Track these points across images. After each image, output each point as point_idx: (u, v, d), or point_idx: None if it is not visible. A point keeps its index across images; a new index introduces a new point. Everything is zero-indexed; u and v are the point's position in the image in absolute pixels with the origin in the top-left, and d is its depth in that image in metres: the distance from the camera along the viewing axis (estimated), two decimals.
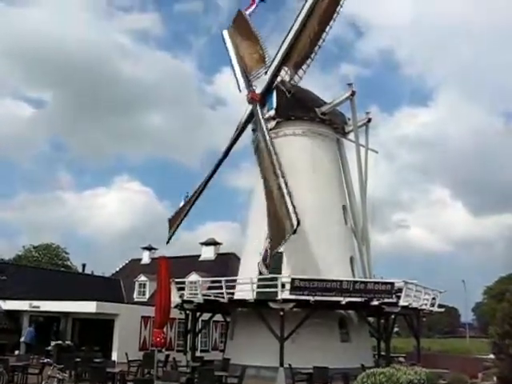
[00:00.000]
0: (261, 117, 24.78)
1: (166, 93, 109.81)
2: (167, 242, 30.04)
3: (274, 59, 25.41)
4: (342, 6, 23.68)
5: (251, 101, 25.61)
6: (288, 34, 24.64)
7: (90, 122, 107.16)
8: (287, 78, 25.37)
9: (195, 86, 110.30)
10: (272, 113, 25.25)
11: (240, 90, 26.90)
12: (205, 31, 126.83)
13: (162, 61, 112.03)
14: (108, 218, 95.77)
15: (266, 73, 25.85)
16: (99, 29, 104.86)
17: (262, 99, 25.52)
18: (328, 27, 24.01)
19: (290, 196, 21.01)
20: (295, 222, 19.71)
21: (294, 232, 19.75)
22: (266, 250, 21.74)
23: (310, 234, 23.17)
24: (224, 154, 27.55)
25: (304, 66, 24.97)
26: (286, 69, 25.15)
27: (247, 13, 29.07)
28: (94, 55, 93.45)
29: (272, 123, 25.24)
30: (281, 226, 20.68)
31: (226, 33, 29.75)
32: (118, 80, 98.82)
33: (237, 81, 27.42)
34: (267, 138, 23.76)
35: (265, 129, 24.24)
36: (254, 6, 28.82)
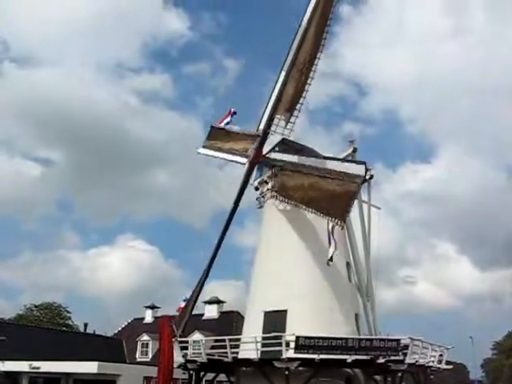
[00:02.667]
0: (278, 156, 25.21)
1: (173, 152, 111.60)
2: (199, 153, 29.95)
3: (264, 111, 25.73)
4: (319, 58, 24.16)
5: (254, 161, 25.73)
6: (275, 86, 25.12)
7: (96, 181, 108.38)
8: (280, 130, 25.65)
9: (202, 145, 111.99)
10: (273, 170, 25.56)
11: (244, 164, 26.46)
12: (211, 92, 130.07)
13: (170, 120, 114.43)
14: (112, 276, 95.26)
15: (257, 128, 26.08)
16: (108, 89, 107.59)
17: (264, 160, 25.70)
18: (310, 79, 24.30)
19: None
20: (361, 167, 21.21)
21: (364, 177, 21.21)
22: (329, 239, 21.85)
23: (314, 292, 23.09)
24: (229, 217, 25.72)
25: (293, 118, 25.05)
26: (278, 116, 25.27)
27: (222, 125, 29.19)
28: (103, 115, 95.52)
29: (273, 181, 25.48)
30: (338, 195, 21.58)
31: (202, 150, 29.87)
32: (125, 139, 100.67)
33: (236, 162, 27.40)
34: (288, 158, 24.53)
35: (283, 155, 24.86)
36: (228, 119, 29.04)
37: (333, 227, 21.50)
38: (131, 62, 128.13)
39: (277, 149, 25.53)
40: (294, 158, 24.43)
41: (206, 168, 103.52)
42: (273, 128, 25.47)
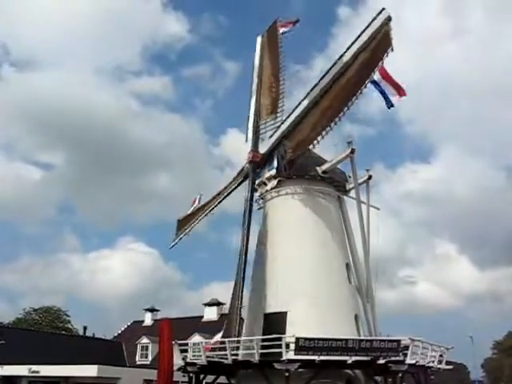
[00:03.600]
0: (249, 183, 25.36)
1: (173, 154, 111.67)
2: (171, 247, 29.57)
3: (273, 135, 25.80)
4: (366, 87, 23.55)
5: (250, 162, 25.91)
6: (294, 111, 25.13)
7: (96, 184, 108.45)
8: (270, 127, 26.02)
9: (202, 148, 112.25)
10: (273, 172, 25.52)
11: (246, 140, 26.83)
12: (210, 94, 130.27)
13: (170, 123, 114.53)
14: (112, 279, 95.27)
15: (270, 137, 26.17)
16: (108, 92, 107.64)
17: (262, 160, 25.85)
18: (345, 107, 23.57)
19: None
20: None
21: None
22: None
23: (313, 293, 23.06)
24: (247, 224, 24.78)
25: (309, 146, 24.69)
26: (289, 144, 25.04)
27: (280, 31, 28.42)
28: (103, 118, 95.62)
29: (273, 182, 25.48)
30: None
31: (259, 40, 29.84)
32: (125, 142, 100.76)
33: (247, 125, 27.31)
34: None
35: (249, 194, 24.88)
36: (289, 27, 28.48)
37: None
38: (131, 65, 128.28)
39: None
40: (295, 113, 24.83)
41: (207, 170, 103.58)
42: (262, 131, 26.09)
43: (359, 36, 24.24)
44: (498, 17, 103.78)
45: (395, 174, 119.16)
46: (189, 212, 29.76)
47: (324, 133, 23.69)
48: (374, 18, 24.06)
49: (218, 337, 24.63)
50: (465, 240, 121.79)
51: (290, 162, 24.71)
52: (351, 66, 24.06)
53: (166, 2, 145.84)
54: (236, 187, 27.31)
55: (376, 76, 23.73)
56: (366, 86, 23.53)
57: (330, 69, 24.59)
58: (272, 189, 25.55)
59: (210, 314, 44.32)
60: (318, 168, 25.77)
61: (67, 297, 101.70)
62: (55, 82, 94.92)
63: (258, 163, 25.77)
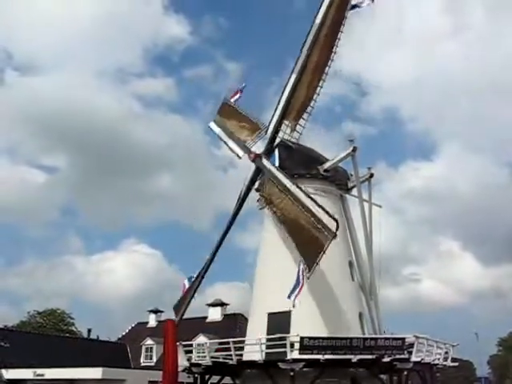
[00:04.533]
0: (267, 164, 25.30)
1: (176, 156, 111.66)
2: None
3: (273, 116, 25.90)
4: (333, 60, 24.61)
5: (254, 159, 25.99)
6: (284, 90, 25.36)
7: (100, 186, 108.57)
8: (288, 133, 26.02)
9: (205, 149, 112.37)
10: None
11: (240, 157, 27.41)
12: (213, 96, 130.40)
13: (173, 125, 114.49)
14: (116, 281, 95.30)
15: (266, 132, 26.36)
16: (111, 94, 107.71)
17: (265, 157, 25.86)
18: (321, 81, 24.83)
19: (311, 198, 22.01)
20: (333, 223, 20.27)
21: (335, 234, 20.17)
22: (298, 278, 20.50)
23: (317, 292, 23.00)
24: (232, 217, 26.58)
25: (302, 122, 25.67)
26: (287, 122, 25.79)
27: (232, 100, 29.71)
28: (106, 120, 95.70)
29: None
30: (313, 240, 20.85)
31: (212, 124, 30.54)
32: (128, 144, 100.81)
33: (233, 152, 28.03)
34: (273, 170, 24.72)
35: (271, 166, 24.99)
36: (238, 95, 29.59)
37: (303, 270, 20.58)
38: (133, 67, 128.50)
39: (276, 152, 25.88)
40: (277, 174, 24.44)
41: (210, 171, 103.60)
42: (280, 134, 26.01)
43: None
44: (498, 15, 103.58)
45: (397, 172, 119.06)
46: (181, 297, 27.74)
47: (318, 91, 24.73)
48: None
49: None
50: (468, 237, 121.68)
51: (293, 152, 25.00)
52: (324, 23, 24.41)
53: (167, 5, 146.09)
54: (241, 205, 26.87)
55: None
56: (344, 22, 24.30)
57: (308, 34, 24.67)
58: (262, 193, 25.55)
59: (214, 315, 44.29)
60: (319, 167, 25.75)
61: (71, 299, 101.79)
62: (57, 86, 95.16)
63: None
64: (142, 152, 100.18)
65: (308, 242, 21.30)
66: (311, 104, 25.28)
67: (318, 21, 24.57)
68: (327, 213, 20.96)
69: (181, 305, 26.51)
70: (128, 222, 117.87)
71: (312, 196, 22.76)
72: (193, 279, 26.60)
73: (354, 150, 24.76)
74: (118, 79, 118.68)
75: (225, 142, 28.97)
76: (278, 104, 25.69)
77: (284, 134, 26.12)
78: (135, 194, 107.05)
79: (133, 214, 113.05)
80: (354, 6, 25.09)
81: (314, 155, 26.95)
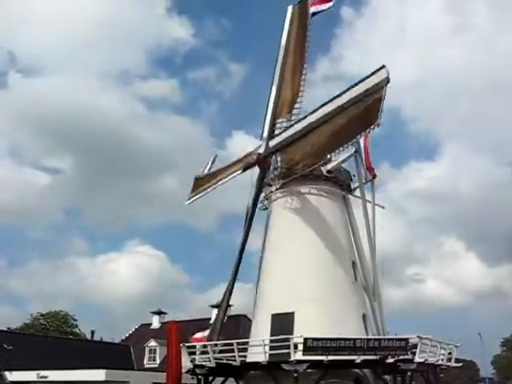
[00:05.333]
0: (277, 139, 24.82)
1: (180, 157, 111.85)
2: (189, 203, 29.93)
3: (265, 117, 25.54)
4: (306, 63, 24.73)
5: (255, 164, 25.68)
6: (271, 90, 25.45)
7: (104, 188, 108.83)
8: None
9: (209, 150, 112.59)
10: (277, 172, 25.52)
11: (261, 138, 25.65)
12: (217, 97, 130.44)
13: (177, 126, 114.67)
14: (119, 282, 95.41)
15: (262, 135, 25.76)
16: (114, 96, 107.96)
17: (267, 161, 25.62)
18: (302, 82, 24.68)
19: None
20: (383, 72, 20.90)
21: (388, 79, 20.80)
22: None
23: (320, 293, 23.02)
24: (250, 216, 25.19)
25: (293, 117, 25.08)
26: (280, 120, 25.40)
27: (311, 10, 26.49)
28: (110, 122, 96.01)
29: (278, 183, 25.47)
30: (359, 114, 21.57)
31: (289, 10, 27.55)
32: (132, 145, 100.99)
33: (264, 121, 25.98)
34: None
35: (253, 195, 24.71)
36: (323, 6, 26.33)
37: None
38: (137, 69, 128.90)
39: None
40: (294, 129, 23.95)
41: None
42: (277, 131, 25.61)
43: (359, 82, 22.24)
44: (500, 14, 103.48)
45: (400, 173, 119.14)
46: (206, 172, 29.50)
47: (301, 90, 24.50)
48: (374, 73, 21.70)
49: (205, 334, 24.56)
50: (471, 237, 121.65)
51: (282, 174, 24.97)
52: (345, 111, 22.27)
53: (170, 8, 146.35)
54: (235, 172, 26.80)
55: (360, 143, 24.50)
56: (352, 143, 23.25)
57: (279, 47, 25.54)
58: (276, 189, 25.56)
59: None
60: (322, 168, 25.72)
61: (75, 301, 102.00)
62: (61, 88, 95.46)
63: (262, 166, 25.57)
64: (145, 153, 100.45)
65: (355, 121, 21.84)
66: (297, 105, 24.92)
67: (283, 38, 26.01)
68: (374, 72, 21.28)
69: (204, 179, 28.55)
70: (132, 223, 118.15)
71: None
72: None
73: (357, 151, 24.78)
74: (121, 81, 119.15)
75: (271, 82, 26.94)
76: (268, 104, 25.55)
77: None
78: (139, 195, 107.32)
79: (136, 215, 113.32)
80: (314, 14, 25.89)
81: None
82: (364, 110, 21.52)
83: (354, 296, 24.90)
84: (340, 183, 26.71)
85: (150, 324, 49.10)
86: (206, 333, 24.46)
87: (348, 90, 22.18)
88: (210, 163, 29.56)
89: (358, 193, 26.65)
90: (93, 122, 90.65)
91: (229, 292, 24.03)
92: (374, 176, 27.01)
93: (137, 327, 50.66)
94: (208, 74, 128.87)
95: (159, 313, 48.98)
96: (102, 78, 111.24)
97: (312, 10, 25.81)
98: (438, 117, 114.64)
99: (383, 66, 21.16)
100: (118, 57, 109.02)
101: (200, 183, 29.52)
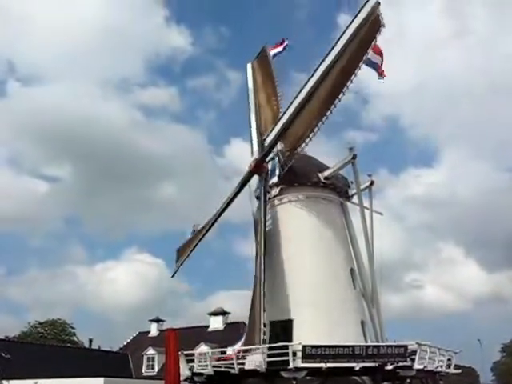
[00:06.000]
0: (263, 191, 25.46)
1: (179, 165, 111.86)
2: (172, 275, 30.76)
3: (271, 132, 25.44)
4: (352, 81, 22.92)
5: (253, 171, 25.95)
6: (288, 109, 24.44)
7: (103, 196, 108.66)
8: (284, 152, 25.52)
9: (208, 158, 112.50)
10: (275, 179, 25.56)
11: (252, 154, 26.56)
12: (216, 105, 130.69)
13: (176, 134, 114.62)
14: (118, 290, 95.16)
15: (264, 138, 26.05)
16: (113, 104, 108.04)
17: (264, 168, 25.81)
18: (335, 103, 23.02)
19: None
20: None
21: None
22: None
23: (319, 300, 23.00)
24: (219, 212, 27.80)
25: (302, 144, 24.31)
26: (282, 145, 25.40)
27: (271, 53, 29.65)
28: (109, 130, 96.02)
29: (276, 190, 25.54)
30: None
31: (249, 66, 30.48)
32: (132, 153, 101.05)
33: (251, 140, 27.37)
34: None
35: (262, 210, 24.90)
36: (280, 48, 29.53)
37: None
38: (136, 77, 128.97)
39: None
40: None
41: (213, 180, 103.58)
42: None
43: (349, 26, 23.15)
44: (500, 18, 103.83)
45: (399, 179, 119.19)
46: (186, 241, 30.04)
47: (317, 129, 23.46)
48: (362, 7, 22.83)
49: (239, 345, 24.43)
50: (470, 243, 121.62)
51: (287, 163, 24.81)
52: (342, 55, 23.09)
53: (168, 17, 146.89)
54: (235, 196, 27.25)
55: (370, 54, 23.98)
56: (359, 68, 22.95)
57: (322, 61, 23.56)
58: (275, 196, 25.61)
59: (216, 324, 44.16)
60: (319, 174, 25.77)
61: (73, 309, 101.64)
62: (60, 96, 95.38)
63: (260, 172, 25.75)
64: (144, 161, 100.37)
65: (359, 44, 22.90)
66: (318, 125, 23.37)
67: (250, 86, 29.18)
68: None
69: (184, 249, 28.68)
70: (130, 230, 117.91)
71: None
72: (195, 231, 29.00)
73: (354, 157, 24.81)
74: (121, 89, 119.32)
75: (249, 112, 28.56)
76: (277, 123, 25.12)
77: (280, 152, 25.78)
78: (138, 203, 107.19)
79: (135, 222, 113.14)
80: (275, 55, 29.11)
81: (315, 163, 26.99)
82: (360, 39, 22.68)
83: (353, 303, 24.87)
84: (338, 190, 26.73)
85: (148, 332, 48.94)
86: (239, 345, 24.42)
87: (342, 34, 23.30)
88: (280, 46, 30.13)
89: (355, 199, 26.67)
90: (92, 130, 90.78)
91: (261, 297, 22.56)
92: (372, 182, 27.07)
93: (135, 335, 50.48)
94: (207, 82, 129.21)
95: (157, 320, 48.83)
96: (101, 87, 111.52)
97: (272, 53, 29.14)
98: (437, 123, 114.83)
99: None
100: (118, 65, 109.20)
101: (262, 61, 30.26)
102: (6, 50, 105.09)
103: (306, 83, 23.78)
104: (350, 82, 22.90)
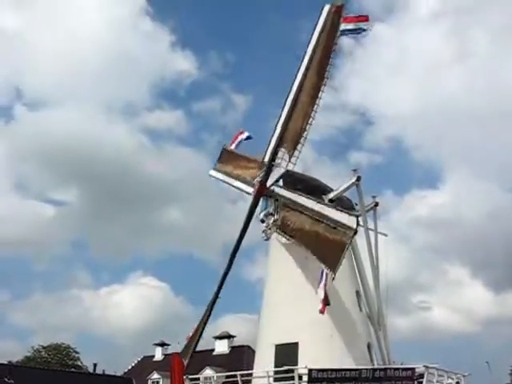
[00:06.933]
0: (281, 191, 25.72)
1: (185, 188, 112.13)
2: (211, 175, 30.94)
3: (269, 144, 26.42)
4: (327, 78, 25.38)
5: (258, 194, 26.04)
6: (280, 116, 26.25)
7: (108, 220, 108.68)
8: (286, 161, 26.00)
9: (213, 182, 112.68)
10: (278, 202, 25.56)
11: (250, 194, 27.13)
12: (221, 128, 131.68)
13: (182, 157, 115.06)
14: (123, 314, 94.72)
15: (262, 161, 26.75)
16: (119, 128, 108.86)
17: (267, 190, 25.94)
18: (314, 112, 25.11)
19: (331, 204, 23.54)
20: (353, 220, 21.55)
21: (356, 231, 21.51)
22: (325, 285, 21.15)
23: (325, 323, 22.81)
24: (235, 249, 26.40)
25: (299, 146, 25.63)
26: (283, 150, 25.93)
27: (232, 147, 30.32)
28: (115, 154, 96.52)
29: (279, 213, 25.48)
30: (332, 242, 21.62)
31: (213, 172, 30.82)
32: (138, 176, 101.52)
33: (242, 190, 28.20)
34: (290, 195, 25.17)
35: (286, 192, 25.38)
36: (236, 142, 30.23)
37: (327, 274, 21.19)
38: (141, 101, 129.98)
39: (280, 182, 25.90)
40: (292, 196, 24.87)
41: (219, 204, 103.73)
42: (277, 161, 26.00)
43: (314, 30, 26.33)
44: (502, 41, 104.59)
45: (404, 200, 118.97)
46: (233, 146, 30.47)
47: (311, 119, 24.89)
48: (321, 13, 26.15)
49: None
50: (476, 263, 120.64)
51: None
52: (316, 50, 25.79)
53: (174, 42, 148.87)
54: (247, 226, 26.79)
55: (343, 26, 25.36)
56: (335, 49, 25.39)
57: (300, 65, 26.18)
58: (275, 221, 25.57)
59: (221, 347, 43.79)
60: (324, 196, 25.77)
61: (78, 333, 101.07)
62: (66, 120, 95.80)
63: (262, 193, 25.88)
64: (151, 184, 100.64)
65: (325, 245, 21.98)
66: (304, 134, 25.43)
67: (308, 52, 26.43)
68: (347, 213, 22.14)
69: (188, 348, 26.23)
70: (136, 254, 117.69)
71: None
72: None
73: (358, 179, 24.87)
74: (127, 113, 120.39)
75: (230, 184, 29.24)
76: (273, 133, 26.59)
77: (282, 160, 26.15)
78: (144, 227, 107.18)
79: (141, 246, 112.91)
80: (343, 32, 26.17)
81: (319, 185, 27.02)
82: (332, 239, 22.18)
83: (359, 325, 24.68)
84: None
85: (153, 356, 48.58)
86: None
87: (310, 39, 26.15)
88: (240, 136, 30.46)
89: (360, 221, 26.61)
90: (98, 154, 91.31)
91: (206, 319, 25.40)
92: (376, 204, 27.08)
93: (139, 359, 50.12)
94: (213, 106, 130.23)
95: (162, 344, 48.49)
96: (107, 110, 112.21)
97: (342, 27, 25.89)
98: (441, 144, 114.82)
99: (356, 216, 22.58)
100: (123, 89, 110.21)
101: (225, 159, 30.49)
102: (14, 76, 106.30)
103: (294, 80, 26.13)
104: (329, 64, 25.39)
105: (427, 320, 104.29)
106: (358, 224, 21.56)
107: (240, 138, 30.16)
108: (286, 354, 22.58)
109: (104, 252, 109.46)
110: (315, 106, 25.18)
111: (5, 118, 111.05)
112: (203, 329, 25.75)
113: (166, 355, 45.79)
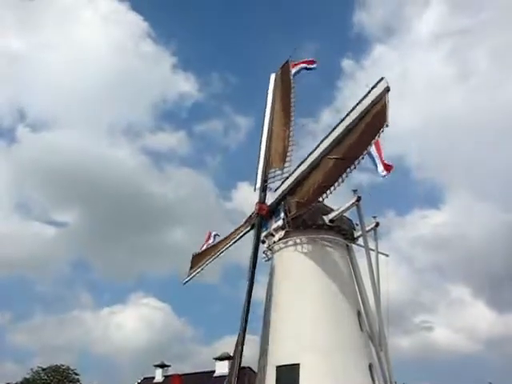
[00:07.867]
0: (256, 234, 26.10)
1: (187, 209, 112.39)
2: (184, 283, 30.55)
3: (283, 183, 26.16)
4: (363, 158, 23.90)
5: (257, 214, 26.22)
6: (301, 164, 25.59)
7: (110, 240, 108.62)
8: (279, 177, 26.48)
9: (215, 202, 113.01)
10: (280, 222, 25.65)
11: (255, 190, 27.26)
12: (223, 149, 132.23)
13: (184, 178, 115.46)
14: (124, 335, 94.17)
15: (276, 189, 26.56)
16: (121, 149, 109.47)
17: (269, 212, 26.13)
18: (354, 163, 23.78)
19: None
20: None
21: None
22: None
23: (325, 343, 22.80)
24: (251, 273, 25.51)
25: (286, 169, 26.14)
26: (273, 170, 26.65)
27: (293, 71, 29.56)
28: (117, 175, 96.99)
29: (280, 233, 25.60)
30: None
31: (272, 77, 31.08)
32: (140, 197, 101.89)
33: (256, 175, 27.74)
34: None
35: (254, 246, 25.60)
36: (206, 245, 30.76)
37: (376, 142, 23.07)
38: (143, 123, 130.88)
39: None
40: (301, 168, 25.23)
41: (220, 224, 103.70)
42: (270, 180, 26.59)
43: (362, 99, 24.18)
44: (503, 62, 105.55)
45: (406, 220, 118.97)
46: (203, 248, 30.63)
47: (325, 195, 23.83)
48: (374, 86, 23.81)
49: None
50: (479, 283, 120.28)
51: (294, 217, 24.89)
52: (355, 128, 24.20)
53: (175, 64, 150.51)
54: (244, 234, 27.67)
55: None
56: (363, 158, 23.71)
57: (333, 130, 24.94)
58: (279, 240, 25.66)
59: (222, 369, 43.37)
60: (324, 217, 25.89)
61: (78, 355, 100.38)
62: (69, 142, 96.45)
63: (264, 216, 26.01)
64: (153, 205, 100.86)
65: (360, 137, 23.89)
66: (288, 153, 26.07)
67: (269, 101, 29.19)
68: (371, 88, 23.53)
69: (200, 256, 30.39)
70: (138, 275, 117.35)
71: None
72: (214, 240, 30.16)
73: (358, 199, 24.97)
74: (129, 134, 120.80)
75: (260, 138, 28.95)
76: (259, 157, 27.72)
77: (274, 178, 26.68)
78: (145, 248, 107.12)
79: (143, 267, 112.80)
80: (296, 73, 29.22)
81: (319, 206, 27.13)
82: (371, 118, 23.39)
83: (360, 346, 24.61)
84: (343, 232, 26.80)
85: (153, 377, 48.21)
86: None
87: (354, 108, 24.22)
88: (210, 239, 30.85)
89: (361, 241, 26.72)
90: (101, 175, 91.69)
91: (240, 344, 23.80)
92: (377, 224, 27.18)
93: (139, 381, 49.72)
94: (215, 127, 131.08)
95: (162, 366, 48.10)
96: (109, 132, 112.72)
97: (293, 70, 29.19)
98: (443, 163, 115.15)
99: (382, 78, 23.36)
100: (126, 111, 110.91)
101: (198, 259, 30.61)
102: (17, 98, 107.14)
103: (321, 142, 25.14)
104: (357, 161, 23.82)
105: (429, 340, 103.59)
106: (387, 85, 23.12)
107: (210, 241, 30.71)
108: (288, 375, 22.54)
109: (105, 273, 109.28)
110: (291, 131, 26.47)
111: (8, 139, 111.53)
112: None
113: (166, 376, 45.42)
